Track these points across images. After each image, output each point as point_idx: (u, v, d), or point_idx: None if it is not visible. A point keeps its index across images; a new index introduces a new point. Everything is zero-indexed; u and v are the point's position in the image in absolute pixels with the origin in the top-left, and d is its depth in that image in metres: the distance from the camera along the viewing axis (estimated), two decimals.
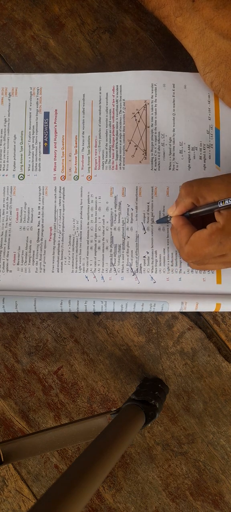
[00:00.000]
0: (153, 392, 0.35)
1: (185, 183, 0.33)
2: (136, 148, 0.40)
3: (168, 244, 0.39)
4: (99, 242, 0.39)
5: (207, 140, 0.40)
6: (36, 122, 0.41)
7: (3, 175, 0.41)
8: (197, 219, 0.34)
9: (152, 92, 0.40)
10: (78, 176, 0.40)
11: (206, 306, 0.37)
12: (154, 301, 0.37)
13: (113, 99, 0.41)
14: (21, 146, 0.41)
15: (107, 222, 0.39)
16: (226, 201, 0.30)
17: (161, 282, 0.38)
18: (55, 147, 0.41)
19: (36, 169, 0.40)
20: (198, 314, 0.39)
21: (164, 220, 0.38)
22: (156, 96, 0.40)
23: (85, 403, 0.40)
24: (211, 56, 0.36)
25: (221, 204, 0.31)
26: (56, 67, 0.42)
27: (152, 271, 0.39)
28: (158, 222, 0.39)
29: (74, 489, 0.22)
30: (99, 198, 0.40)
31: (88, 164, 0.40)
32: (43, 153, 0.41)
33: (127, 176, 0.40)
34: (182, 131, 0.40)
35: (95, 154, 0.40)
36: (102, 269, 0.39)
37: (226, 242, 0.31)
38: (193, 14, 0.35)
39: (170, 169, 0.40)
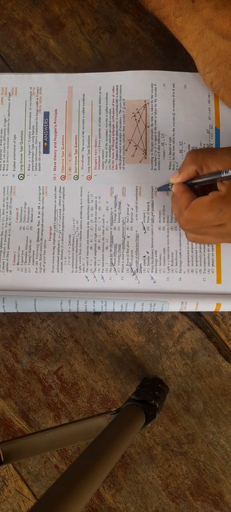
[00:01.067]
0: (153, 392, 0.35)
1: (191, 151, 0.33)
2: (136, 148, 0.40)
3: (168, 244, 0.39)
4: (99, 242, 0.39)
5: (207, 140, 0.40)
6: (36, 122, 0.41)
7: (3, 175, 0.41)
8: (198, 192, 0.34)
9: (152, 92, 0.40)
10: (78, 176, 0.40)
11: (206, 306, 0.37)
12: (154, 301, 0.37)
13: (113, 99, 0.41)
14: (21, 146, 0.41)
15: (107, 222, 0.39)
16: (230, 171, 0.30)
17: (161, 282, 0.38)
18: (55, 147, 0.41)
19: (36, 169, 0.40)
20: (198, 314, 0.39)
21: (165, 187, 0.38)
22: (155, 96, 0.40)
23: (85, 403, 0.40)
24: (211, 56, 0.36)
25: (224, 173, 0.31)
26: (56, 67, 0.42)
27: (152, 271, 0.39)
28: (159, 189, 0.39)
29: (74, 489, 0.22)
30: (99, 198, 0.40)
31: (88, 164, 0.40)
32: (43, 153, 0.41)
33: (127, 175, 0.40)
34: (182, 130, 0.40)
35: (95, 154, 0.40)
36: (102, 269, 0.39)
37: (227, 210, 0.31)
38: (193, 15, 0.35)
39: (170, 168, 0.40)
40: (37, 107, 0.41)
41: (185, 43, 0.37)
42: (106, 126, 0.40)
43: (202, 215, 0.32)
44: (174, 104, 0.40)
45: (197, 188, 0.34)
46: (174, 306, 0.37)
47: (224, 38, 0.35)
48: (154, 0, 0.36)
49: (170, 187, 0.36)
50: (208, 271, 0.38)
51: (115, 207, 0.40)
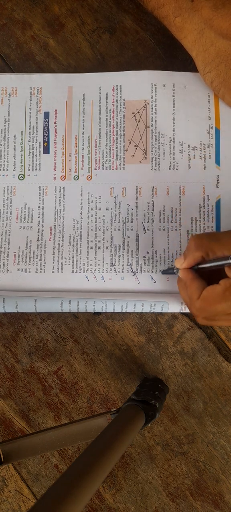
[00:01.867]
0: (153, 392, 0.35)
1: (195, 237, 0.32)
2: (136, 148, 0.40)
3: (168, 244, 0.39)
4: (99, 242, 0.39)
5: (207, 140, 0.40)
6: (36, 122, 0.41)
7: (3, 175, 0.41)
8: (204, 274, 0.33)
9: (152, 92, 0.40)
10: (78, 176, 0.40)
11: None
12: (154, 301, 0.37)
13: (113, 99, 0.41)
14: (21, 146, 0.41)
15: (107, 222, 0.39)
16: None
17: (161, 282, 0.38)
18: (55, 147, 0.41)
19: (36, 169, 0.40)
20: None
21: (170, 271, 0.37)
22: (156, 96, 0.40)
23: (85, 403, 0.40)
24: (211, 56, 0.36)
25: None
26: (56, 67, 0.42)
27: (152, 271, 0.39)
28: (163, 273, 0.38)
29: (74, 489, 0.22)
30: (99, 198, 0.40)
31: (88, 164, 0.40)
32: (43, 153, 0.41)
33: (127, 176, 0.40)
34: (182, 130, 0.40)
35: (95, 154, 0.40)
36: (103, 269, 0.39)
37: None
38: (192, 14, 0.35)
39: (170, 169, 0.40)
40: (37, 107, 0.41)
41: (184, 43, 0.37)
42: (107, 126, 0.40)
43: (215, 306, 0.31)
44: (174, 104, 0.40)
45: (203, 271, 0.33)
46: (174, 307, 0.37)
47: (223, 37, 0.35)
48: (153, 0, 0.36)
49: (175, 271, 0.35)
50: None
51: (115, 207, 0.40)
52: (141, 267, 0.39)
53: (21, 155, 0.41)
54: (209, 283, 0.32)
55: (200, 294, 0.32)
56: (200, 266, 0.33)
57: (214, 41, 0.35)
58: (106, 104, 0.41)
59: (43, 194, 0.40)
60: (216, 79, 0.37)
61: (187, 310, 0.37)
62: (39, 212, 0.40)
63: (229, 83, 0.36)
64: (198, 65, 0.37)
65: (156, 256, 0.39)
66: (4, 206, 0.40)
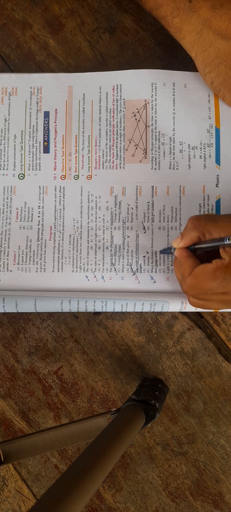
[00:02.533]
0: (153, 392, 0.35)
1: (193, 217, 0.33)
2: (136, 148, 0.40)
3: (168, 244, 0.39)
4: (99, 241, 0.39)
5: (207, 139, 0.40)
6: (36, 122, 0.41)
7: (3, 175, 0.40)
8: (200, 257, 0.34)
9: (152, 91, 0.40)
10: (78, 176, 0.40)
11: None
12: (154, 301, 0.37)
13: (113, 99, 0.41)
14: (21, 146, 0.41)
15: (107, 221, 0.39)
16: None
17: (161, 282, 0.38)
18: (55, 147, 0.41)
19: (36, 168, 0.40)
20: (198, 314, 0.39)
21: (167, 251, 0.38)
22: (156, 95, 0.40)
23: (85, 403, 0.40)
24: (210, 57, 0.36)
25: (227, 241, 0.31)
26: (56, 67, 0.42)
27: (152, 271, 0.38)
28: (161, 252, 0.38)
29: (74, 489, 0.22)
30: (99, 198, 0.40)
31: (89, 164, 0.40)
32: (43, 152, 0.41)
33: (127, 175, 0.40)
34: (182, 130, 0.40)
35: (96, 154, 0.40)
36: (103, 269, 0.39)
37: (230, 279, 0.30)
38: (190, 15, 0.35)
39: (170, 168, 0.40)
40: (37, 106, 0.41)
41: (183, 44, 0.37)
42: (107, 126, 0.40)
43: (205, 283, 0.31)
44: (174, 103, 0.40)
45: (199, 253, 0.34)
46: (174, 306, 0.37)
47: (222, 38, 0.35)
48: (151, 1, 0.36)
49: (172, 250, 0.36)
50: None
51: (115, 207, 0.40)
52: (140, 267, 0.39)
53: (21, 154, 0.41)
54: None
55: (191, 271, 0.32)
56: (196, 246, 0.33)
57: (213, 42, 0.35)
58: (107, 104, 0.41)
59: (43, 194, 0.40)
60: (216, 79, 0.37)
61: (187, 309, 0.37)
62: (39, 212, 0.40)
63: (229, 83, 0.36)
64: (198, 65, 0.37)
65: (156, 256, 0.39)
66: (4, 206, 0.40)
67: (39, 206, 0.40)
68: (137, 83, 0.40)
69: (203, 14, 0.35)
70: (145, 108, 0.40)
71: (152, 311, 0.38)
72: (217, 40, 0.35)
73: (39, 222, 0.40)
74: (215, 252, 0.32)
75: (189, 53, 0.37)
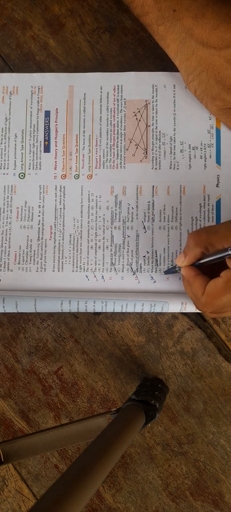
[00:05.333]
0: (153, 392, 0.35)
1: (193, 233, 0.33)
2: (137, 147, 0.40)
3: (168, 244, 0.39)
4: (99, 241, 0.39)
5: (207, 140, 0.40)
6: (37, 121, 0.41)
7: (3, 174, 0.40)
8: (206, 267, 0.34)
9: (153, 93, 0.40)
10: (78, 175, 0.40)
11: None
12: (154, 301, 0.37)
13: (114, 98, 0.41)
14: (22, 145, 0.41)
15: (107, 221, 0.39)
16: None
17: (161, 282, 0.38)
18: (56, 146, 0.41)
19: (36, 167, 0.40)
20: (198, 314, 0.39)
21: (172, 270, 0.37)
22: (156, 96, 0.40)
23: (85, 403, 0.40)
24: (193, 65, 0.36)
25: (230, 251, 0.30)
26: (56, 67, 0.42)
27: (152, 271, 0.38)
28: (166, 273, 0.38)
29: (74, 489, 0.21)
30: (99, 197, 0.40)
31: (89, 163, 0.40)
32: (44, 151, 0.41)
33: (128, 175, 0.40)
34: (182, 130, 0.40)
35: (96, 153, 0.40)
36: (103, 269, 0.39)
37: None
38: (174, 23, 0.35)
39: (170, 168, 0.40)
40: (38, 106, 0.41)
41: (168, 52, 0.37)
42: (107, 125, 0.40)
43: (220, 298, 0.31)
44: (174, 104, 0.40)
45: (206, 266, 0.33)
46: (174, 307, 0.37)
47: (204, 46, 0.35)
48: (138, 7, 0.36)
49: (177, 269, 0.36)
50: None
51: (115, 207, 0.40)
52: (140, 267, 0.39)
53: (22, 153, 0.41)
54: (213, 276, 0.32)
55: (204, 290, 0.32)
56: (201, 261, 0.33)
57: (195, 50, 0.35)
58: (107, 103, 0.41)
59: (43, 193, 0.40)
60: (199, 88, 0.37)
61: (187, 310, 0.37)
62: (39, 211, 0.40)
63: (211, 92, 0.36)
64: (182, 74, 0.37)
65: (156, 256, 0.39)
66: (4, 205, 0.40)
67: (39, 206, 0.40)
68: (137, 84, 0.40)
69: (186, 23, 0.35)
70: (145, 108, 0.40)
71: (152, 311, 0.38)
72: (199, 48, 0.35)
73: (39, 222, 0.40)
74: (221, 262, 0.32)
75: (173, 61, 0.37)
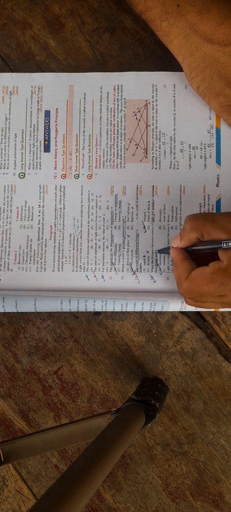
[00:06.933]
0: (153, 392, 0.35)
1: (190, 217, 0.32)
2: (137, 147, 0.40)
3: (168, 243, 0.39)
4: (99, 241, 0.39)
5: (207, 140, 0.40)
6: (37, 121, 0.41)
7: (3, 174, 0.40)
8: (199, 255, 0.33)
9: (153, 93, 0.40)
10: (78, 175, 0.40)
11: None
12: (154, 301, 0.37)
13: (114, 98, 0.41)
14: (22, 145, 0.41)
15: (107, 220, 0.39)
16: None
17: (161, 282, 0.38)
18: (56, 146, 0.40)
19: (36, 167, 0.40)
20: (198, 314, 0.39)
21: (166, 250, 0.37)
22: (156, 96, 0.40)
23: (85, 403, 0.40)
24: (196, 61, 0.36)
25: (224, 245, 0.30)
26: (56, 67, 0.42)
27: (152, 271, 0.38)
28: (159, 252, 0.38)
29: (74, 489, 0.21)
30: (99, 197, 0.40)
31: (89, 163, 0.40)
32: (44, 151, 0.41)
33: (128, 174, 0.40)
34: (182, 130, 0.40)
35: (96, 153, 0.40)
36: (103, 268, 0.39)
37: (228, 283, 0.30)
38: (178, 19, 0.35)
39: (170, 168, 0.40)
40: (38, 105, 0.41)
41: (171, 48, 0.37)
42: (107, 125, 0.40)
43: (202, 287, 0.31)
44: (174, 104, 0.40)
45: (196, 253, 0.33)
46: (174, 306, 0.37)
47: (208, 42, 0.35)
48: (141, 2, 0.36)
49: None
50: None
51: (115, 206, 0.40)
52: (140, 266, 0.39)
53: (22, 153, 0.41)
54: (205, 265, 0.31)
55: (188, 275, 0.32)
56: (194, 248, 0.32)
57: (200, 46, 0.35)
58: (107, 103, 0.41)
59: (43, 193, 0.40)
60: (202, 84, 0.37)
61: (187, 309, 0.37)
62: (39, 211, 0.40)
63: (215, 88, 0.36)
64: (185, 70, 0.37)
65: (156, 256, 0.39)
66: (4, 205, 0.40)
67: (39, 205, 0.40)
68: (137, 84, 0.40)
69: (190, 19, 0.35)
70: (145, 107, 0.40)
71: (152, 310, 0.38)
72: (203, 44, 0.35)
73: (39, 221, 0.40)
74: (213, 252, 0.31)
75: (176, 57, 0.37)
